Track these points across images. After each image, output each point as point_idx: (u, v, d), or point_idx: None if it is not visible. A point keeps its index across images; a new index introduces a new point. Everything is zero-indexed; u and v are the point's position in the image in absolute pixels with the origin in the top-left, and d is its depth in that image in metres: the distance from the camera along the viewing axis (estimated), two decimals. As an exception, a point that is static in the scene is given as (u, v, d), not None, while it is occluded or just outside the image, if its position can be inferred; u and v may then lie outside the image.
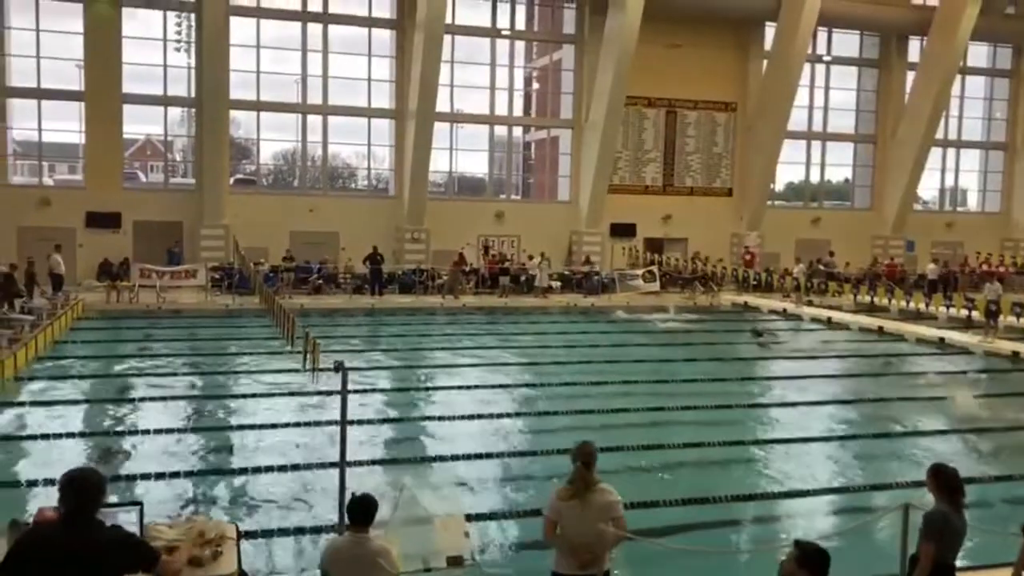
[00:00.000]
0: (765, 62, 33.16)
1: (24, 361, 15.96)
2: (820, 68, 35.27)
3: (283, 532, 8.45)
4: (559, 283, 29.25)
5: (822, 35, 34.50)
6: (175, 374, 16.14)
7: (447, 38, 28.87)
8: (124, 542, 4.10)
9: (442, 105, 29.87)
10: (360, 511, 5.30)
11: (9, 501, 8.58)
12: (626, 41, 29.21)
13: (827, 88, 35.65)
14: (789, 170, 36.35)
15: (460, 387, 15.48)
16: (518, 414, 13.91)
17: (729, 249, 33.70)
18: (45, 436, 11.46)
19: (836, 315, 25.54)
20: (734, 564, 8.04)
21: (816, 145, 36.03)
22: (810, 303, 27.71)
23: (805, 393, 15.62)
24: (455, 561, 6.36)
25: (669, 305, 26.95)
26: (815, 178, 36.57)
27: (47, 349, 17.82)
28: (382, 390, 15.25)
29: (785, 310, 26.94)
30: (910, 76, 35.13)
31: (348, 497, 7.03)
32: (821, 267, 32.15)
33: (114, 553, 3.98)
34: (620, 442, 11.56)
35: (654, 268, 29.75)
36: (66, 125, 28.31)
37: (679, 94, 32.97)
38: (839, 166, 37.25)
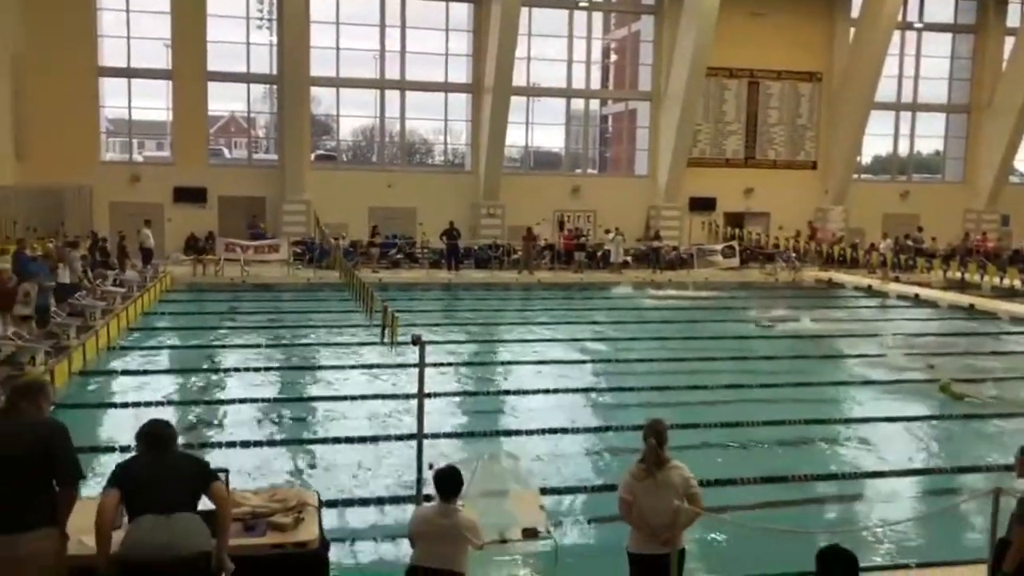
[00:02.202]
0: (852, 30, 32.03)
1: (116, 331, 16.59)
2: (911, 35, 33.88)
3: (363, 501, 8.61)
4: (634, 258, 28.99)
5: (913, 0, 33.11)
6: (258, 346, 16.57)
7: (524, 10, 28.66)
8: (196, 461, 5.00)
9: (519, 79, 29.76)
10: (449, 482, 5.38)
11: (101, 466, 8.92)
12: (707, 10, 28.56)
13: (918, 56, 34.24)
14: (876, 142, 35.13)
15: (535, 361, 15.51)
16: (593, 389, 13.89)
17: (814, 224, 32.88)
18: (136, 404, 11.89)
19: (924, 292, 24.71)
20: (813, 545, 7.88)
21: (905, 116, 34.72)
22: (896, 279, 26.87)
23: (889, 371, 15.18)
24: (530, 534, 6.38)
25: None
26: (904, 150, 35.30)
27: (137, 320, 18.49)
28: (458, 363, 15.38)
29: (870, 287, 26.18)
30: (1009, 42, 33.48)
31: (426, 468, 7.13)
32: (909, 242, 31.11)
33: (188, 467, 4.84)
34: (697, 419, 11.44)
35: (734, 243, 29.23)
36: (154, 103, 29.15)
37: (762, 64, 32.13)
38: (929, 137, 35.82)
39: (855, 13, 31.97)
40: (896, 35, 32.24)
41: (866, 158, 35.74)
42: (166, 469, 4.73)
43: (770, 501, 8.87)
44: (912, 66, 34.30)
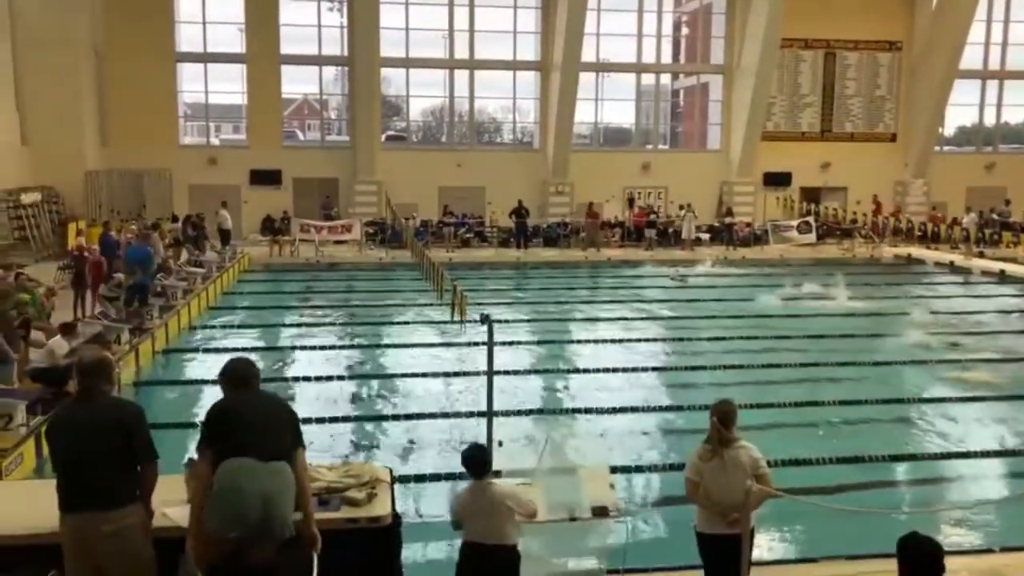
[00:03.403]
0: (935, -4, 30.90)
1: (197, 311, 17.08)
2: (999, -1, 32.49)
3: (434, 477, 8.73)
4: (708, 235, 28.60)
5: (1001, -37, 31.75)
6: (332, 324, 16.88)
7: (593, -14, 28.35)
8: (290, 412, 4.89)
9: (588, 55, 29.49)
10: (474, 463, 5.45)
11: (183, 440, 9.23)
12: (781, -20, 27.86)
13: (1007, 21, 32.78)
14: (960, 112, 33.87)
15: (604, 340, 15.46)
16: (664, 368, 13.78)
17: (892, 198, 31.94)
18: (215, 382, 12.15)
19: (1011, 268, 23.76)
20: (889, 526, 7.71)
21: (992, 84, 33.33)
22: (981, 255, 25.92)
23: (971, 350, 14.70)
24: (600, 512, 6.38)
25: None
26: (990, 120, 33.93)
27: (217, 300, 18.99)
28: (527, 342, 15.42)
29: (952, 263, 25.30)
30: (1105, 4, 31.84)
31: (495, 445, 7.19)
32: (995, 216, 29.95)
33: (284, 415, 4.79)
34: (771, 398, 11.27)
35: (810, 219, 28.58)
36: (230, 87, 29.78)
37: (839, 34, 31.21)
38: (1018, 106, 34.35)
39: (938, -22, 30.80)
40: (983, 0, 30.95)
41: (949, 129, 34.51)
42: (261, 413, 4.62)
43: (845, 482, 8.70)
44: (1000, 32, 32.88)
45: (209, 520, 4.40)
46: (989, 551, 7.14)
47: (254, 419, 4.57)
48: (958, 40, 30.14)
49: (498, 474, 7.38)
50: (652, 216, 28.59)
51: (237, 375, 4.80)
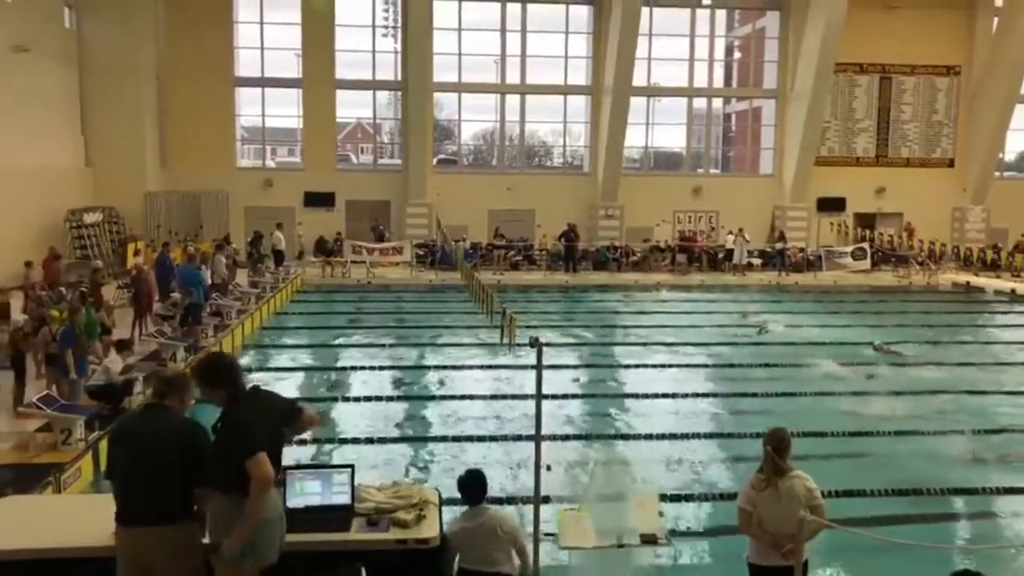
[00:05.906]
0: (995, 20, 30.32)
1: (250, 330, 17.35)
2: (1061, 23, 31.77)
3: (481, 500, 8.70)
4: (760, 260, 28.29)
5: (1064, -14, 31.04)
6: (383, 345, 17.01)
7: (645, 10, 28.38)
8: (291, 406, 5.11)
9: (639, 79, 29.51)
10: (473, 487, 5.48)
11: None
12: (837, 4, 27.61)
13: (1070, 45, 32.06)
14: (1021, 138, 33.11)
15: (653, 365, 15.34)
16: (714, 394, 13.62)
17: (951, 224, 31.31)
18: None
19: (1075, 297, 23.08)
20: (944, 560, 7.50)
21: (1054, 109, 32.58)
22: (1043, 283, 25.24)
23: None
24: (649, 539, 6.32)
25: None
26: (1053, 145, 33.16)
27: (270, 319, 19.27)
28: (576, 366, 15.36)
29: (1013, 291, 24.64)
30: None
31: (543, 469, 7.15)
32: (1058, 244, 29.16)
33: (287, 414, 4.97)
34: (825, 427, 11.07)
35: (865, 245, 28.11)
36: (286, 111, 30.35)
37: (895, 59, 30.82)
38: (1083, 132, 33.50)
39: (999, 2, 30.23)
40: (1045, 23, 30.34)
41: (1009, 155, 33.77)
42: (275, 427, 4.81)
43: (902, 514, 8.50)
44: (1062, 56, 32.12)
45: (255, 550, 4.52)
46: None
47: (274, 428, 4.82)
48: (1019, 64, 29.54)
49: (547, 499, 7.37)
50: (682, 242, 28.38)
51: (243, 384, 4.83)
